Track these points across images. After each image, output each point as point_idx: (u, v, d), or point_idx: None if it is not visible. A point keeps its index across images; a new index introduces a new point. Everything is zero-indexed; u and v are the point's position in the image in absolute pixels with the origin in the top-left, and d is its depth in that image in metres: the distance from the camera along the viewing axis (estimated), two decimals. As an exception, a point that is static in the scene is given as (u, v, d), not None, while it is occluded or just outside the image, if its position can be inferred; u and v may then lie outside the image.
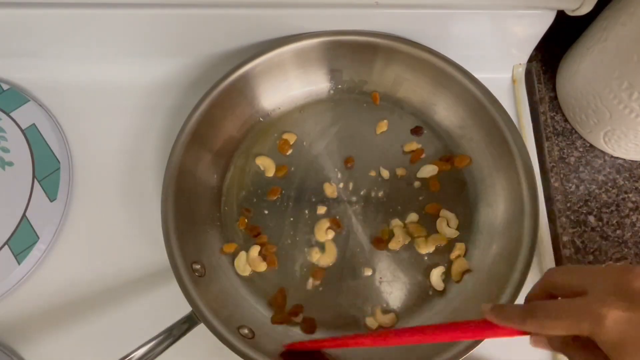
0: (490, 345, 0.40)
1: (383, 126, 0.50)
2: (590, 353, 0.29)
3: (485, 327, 0.32)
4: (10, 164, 0.48)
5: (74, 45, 0.51)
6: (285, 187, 0.49)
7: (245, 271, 0.46)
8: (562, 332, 0.28)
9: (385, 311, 0.45)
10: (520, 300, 0.40)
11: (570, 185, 0.50)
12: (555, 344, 0.31)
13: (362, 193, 0.48)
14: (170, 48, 0.52)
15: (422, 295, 0.45)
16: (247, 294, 0.45)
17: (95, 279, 0.46)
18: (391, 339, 0.36)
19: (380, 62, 0.50)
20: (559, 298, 0.30)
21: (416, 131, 0.50)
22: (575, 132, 0.51)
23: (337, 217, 0.47)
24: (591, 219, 0.48)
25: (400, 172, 0.49)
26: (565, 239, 0.48)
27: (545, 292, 0.31)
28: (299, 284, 0.45)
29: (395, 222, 0.47)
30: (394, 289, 0.45)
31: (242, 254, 0.46)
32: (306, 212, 0.48)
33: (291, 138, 0.50)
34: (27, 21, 0.48)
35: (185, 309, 0.40)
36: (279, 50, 0.48)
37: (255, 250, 0.46)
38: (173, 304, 0.40)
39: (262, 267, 0.46)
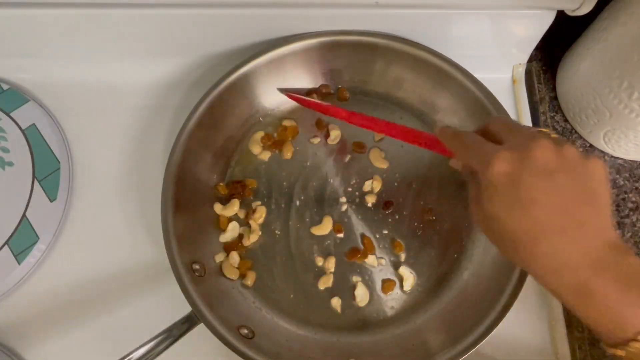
0: (490, 346, 0.40)
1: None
2: (475, 189, 0.33)
3: (431, 140, 0.39)
4: (10, 164, 0.48)
5: (74, 45, 0.51)
6: (277, 182, 0.49)
7: (235, 274, 0.46)
8: (465, 162, 0.35)
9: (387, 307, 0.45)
10: (520, 300, 0.40)
11: (570, 185, 0.50)
12: (466, 170, 0.37)
13: (361, 192, 0.48)
14: (170, 48, 0.52)
15: (420, 297, 0.45)
16: (247, 294, 0.45)
17: (95, 279, 0.46)
18: (363, 121, 0.44)
19: (380, 62, 0.50)
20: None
21: (386, 206, 0.48)
22: (575, 132, 0.51)
23: (337, 218, 0.48)
24: (591, 219, 0.48)
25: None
26: (565, 239, 0.47)
27: (482, 133, 0.35)
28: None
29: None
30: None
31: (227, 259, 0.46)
32: (300, 208, 0.48)
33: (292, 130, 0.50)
34: (27, 21, 0.48)
35: (185, 309, 0.40)
36: (279, 50, 0.48)
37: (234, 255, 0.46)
38: (173, 304, 0.40)
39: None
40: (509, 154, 0.30)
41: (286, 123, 0.50)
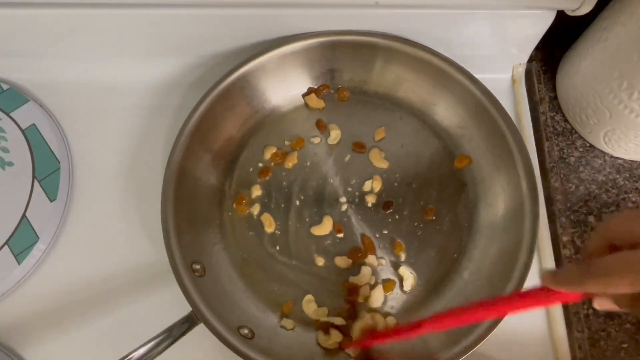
0: (490, 346, 0.40)
1: (381, 132, 0.50)
2: None
3: (544, 295, 0.29)
4: (10, 164, 0.48)
5: (74, 45, 0.51)
6: (282, 182, 0.49)
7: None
8: (627, 290, 0.24)
9: (385, 314, 0.45)
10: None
11: (570, 185, 0.50)
12: (623, 301, 0.28)
13: (361, 192, 0.48)
14: (170, 48, 0.52)
15: (420, 297, 0.45)
16: (248, 294, 0.45)
17: (95, 279, 0.46)
18: (451, 320, 0.35)
19: (380, 62, 0.50)
20: (621, 250, 0.26)
21: (386, 206, 0.48)
22: (575, 132, 0.51)
23: (336, 218, 0.48)
24: (591, 219, 0.48)
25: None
26: (565, 239, 0.48)
27: (604, 244, 0.27)
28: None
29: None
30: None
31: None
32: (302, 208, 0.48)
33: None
34: (27, 21, 0.48)
35: (185, 309, 0.40)
36: (279, 50, 0.48)
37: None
38: (173, 304, 0.40)
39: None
40: None
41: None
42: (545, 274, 0.29)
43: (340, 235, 0.47)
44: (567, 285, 0.27)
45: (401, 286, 0.45)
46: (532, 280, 0.45)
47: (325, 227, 0.47)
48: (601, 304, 0.30)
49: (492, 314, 0.33)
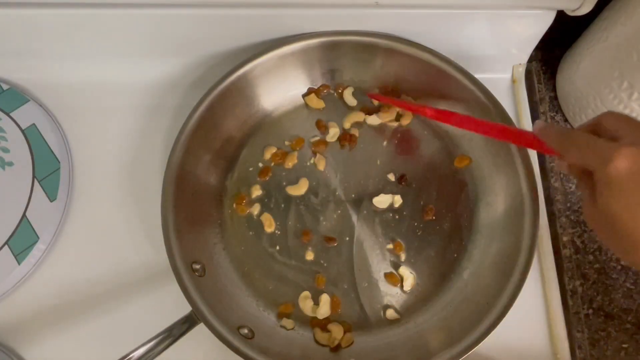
0: (490, 346, 0.40)
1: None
2: (590, 189, 0.32)
3: (528, 138, 0.37)
4: (10, 164, 0.48)
5: (74, 45, 0.51)
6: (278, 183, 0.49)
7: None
8: (577, 162, 0.32)
9: (387, 307, 0.45)
10: (520, 300, 0.40)
11: (570, 185, 0.50)
12: (573, 170, 0.35)
13: (363, 193, 0.48)
14: (170, 48, 0.52)
15: (420, 297, 0.45)
16: (248, 294, 0.45)
17: (95, 278, 0.46)
18: (452, 119, 0.43)
19: (380, 62, 0.50)
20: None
21: (401, 179, 0.49)
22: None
23: (336, 218, 0.48)
24: (591, 219, 0.48)
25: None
26: (565, 239, 0.48)
27: (592, 129, 0.33)
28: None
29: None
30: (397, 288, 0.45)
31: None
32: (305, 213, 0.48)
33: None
34: (27, 21, 0.48)
35: (185, 309, 0.40)
36: (279, 50, 0.48)
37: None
38: (173, 304, 0.40)
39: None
40: (631, 150, 0.28)
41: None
42: (538, 123, 0.36)
43: (340, 235, 0.47)
44: (547, 138, 0.34)
45: (401, 286, 0.45)
46: (532, 280, 0.45)
47: (324, 226, 0.47)
48: (560, 165, 0.38)
49: (484, 130, 0.41)
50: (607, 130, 0.32)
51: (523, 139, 0.38)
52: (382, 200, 0.48)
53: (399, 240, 0.47)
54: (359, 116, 0.50)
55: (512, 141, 0.40)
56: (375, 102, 0.51)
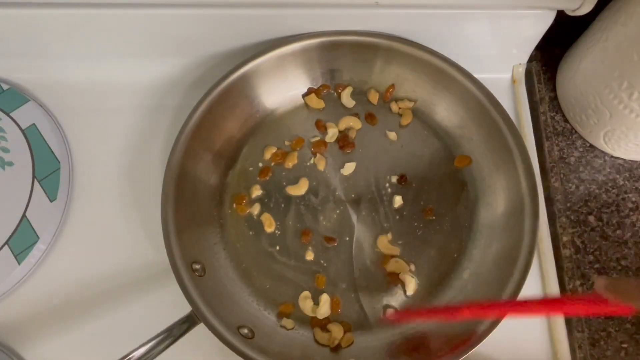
0: (490, 346, 0.40)
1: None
2: None
3: (595, 302, 0.29)
4: (10, 164, 0.48)
5: (74, 45, 0.51)
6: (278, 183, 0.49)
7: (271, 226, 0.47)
8: None
9: (387, 307, 0.45)
10: (520, 297, 0.40)
11: (570, 185, 0.50)
12: None
13: (364, 192, 0.48)
14: (170, 48, 0.52)
15: (420, 297, 0.45)
16: (248, 294, 0.45)
17: (95, 279, 0.46)
18: (490, 311, 0.36)
19: (380, 62, 0.50)
20: None
21: (401, 179, 0.49)
22: (575, 132, 0.51)
23: (336, 218, 0.48)
24: (591, 219, 0.48)
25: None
26: (565, 239, 0.48)
27: None
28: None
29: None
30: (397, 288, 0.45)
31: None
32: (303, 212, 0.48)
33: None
34: (27, 21, 0.48)
35: (185, 309, 0.40)
36: (279, 50, 0.48)
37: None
38: (173, 304, 0.40)
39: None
40: None
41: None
42: (600, 281, 0.28)
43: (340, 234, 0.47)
44: (625, 297, 0.27)
45: (404, 291, 0.45)
46: (532, 280, 0.45)
47: (324, 226, 0.47)
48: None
49: (542, 312, 0.34)
50: None
51: (589, 305, 0.31)
52: (382, 200, 0.48)
53: (399, 240, 0.47)
54: (354, 121, 0.50)
55: (577, 312, 0.34)
56: (374, 102, 0.51)
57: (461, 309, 0.38)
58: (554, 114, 0.52)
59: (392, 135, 0.50)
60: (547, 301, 0.33)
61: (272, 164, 0.49)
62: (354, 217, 0.48)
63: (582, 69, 0.47)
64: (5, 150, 0.48)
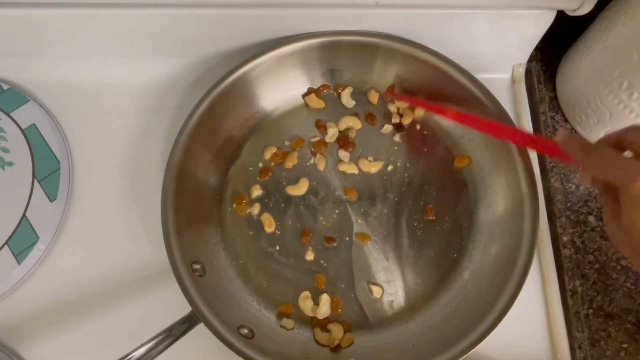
0: (490, 346, 0.40)
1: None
2: (613, 204, 0.32)
3: (550, 146, 0.36)
4: (10, 164, 0.48)
5: (74, 45, 0.51)
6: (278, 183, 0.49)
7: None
8: (599, 176, 0.32)
9: (387, 307, 0.45)
10: (520, 300, 0.40)
11: (570, 185, 0.50)
12: (596, 184, 0.35)
13: (363, 193, 0.48)
14: (170, 48, 0.52)
15: (420, 296, 0.45)
16: (248, 294, 0.45)
17: (95, 279, 0.46)
18: (472, 122, 0.43)
19: (380, 62, 0.50)
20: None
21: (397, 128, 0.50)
22: (575, 132, 0.51)
23: (336, 217, 0.48)
24: (591, 219, 0.48)
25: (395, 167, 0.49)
26: (565, 239, 0.48)
27: (615, 143, 0.32)
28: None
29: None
30: (398, 288, 0.45)
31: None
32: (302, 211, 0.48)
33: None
34: (27, 21, 0.48)
35: (185, 309, 0.40)
36: (279, 50, 0.48)
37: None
38: (173, 304, 0.40)
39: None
40: None
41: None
42: (562, 133, 0.35)
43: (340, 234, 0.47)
44: (571, 151, 0.33)
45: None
46: (532, 280, 0.45)
47: (324, 226, 0.47)
48: (582, 178, 0.36)
49: (504, 134, 0.41)
50: (631, 145, 0.31)
51: (546, 147, 0.38)
52: (382, 200, 0.48)
53: (399, 240, 0.47)
54: (354, 121, 0.50)
55: (535, 148, 0.40)
56: (374, 102, 0.51)
57: (446, 110, 0.45)
58: (554, 114, 0.52)
59: (392, 135, 0.50)
60: (518, 132, 0.41)
61: (272, 164, 0.49)
62: (353, 217, 0.48)
63: (582, 69, 0.47)
64: (5, 150, 0.48)
